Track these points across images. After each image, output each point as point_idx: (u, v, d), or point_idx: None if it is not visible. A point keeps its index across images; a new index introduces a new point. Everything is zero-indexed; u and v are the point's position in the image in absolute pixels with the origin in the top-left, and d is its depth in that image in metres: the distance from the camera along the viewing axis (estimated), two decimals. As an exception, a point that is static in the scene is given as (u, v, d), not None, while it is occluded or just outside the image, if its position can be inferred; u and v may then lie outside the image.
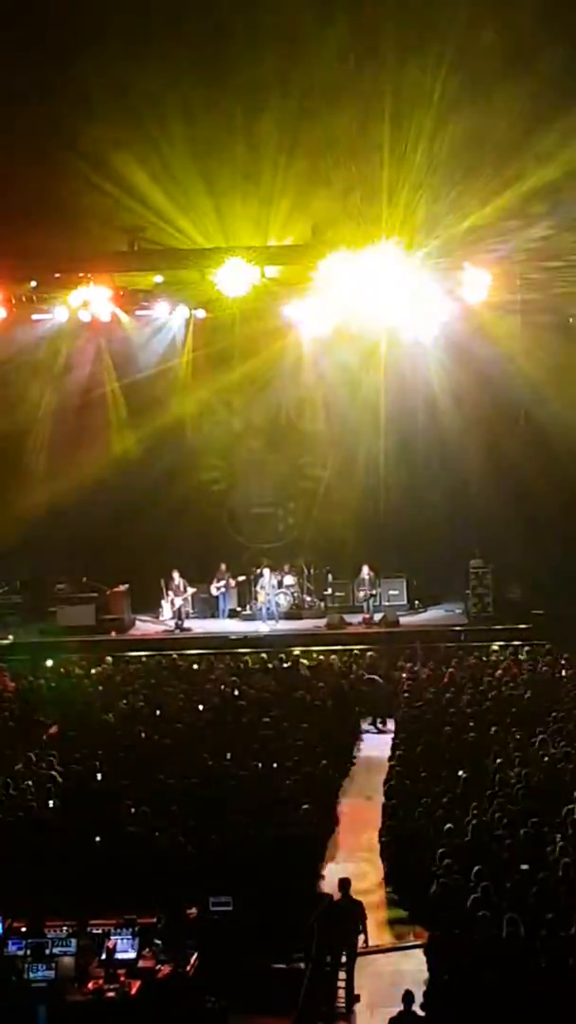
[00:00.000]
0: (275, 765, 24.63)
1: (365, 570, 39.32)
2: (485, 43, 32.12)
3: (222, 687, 31.08)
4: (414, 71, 32.32)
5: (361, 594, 39.39)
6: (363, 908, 19.14)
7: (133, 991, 16.80)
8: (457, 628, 37.82)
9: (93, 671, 33.56)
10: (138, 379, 40.98)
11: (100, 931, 17.61)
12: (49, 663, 35.14)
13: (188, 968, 17.18)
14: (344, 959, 18.51)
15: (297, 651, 34.93)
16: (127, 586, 39.83)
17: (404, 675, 32.38)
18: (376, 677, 32.64)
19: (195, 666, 33.85)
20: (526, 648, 34.04)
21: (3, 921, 18.05)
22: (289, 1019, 16.70)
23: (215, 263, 35.23)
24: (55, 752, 25.87)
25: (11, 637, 38.54)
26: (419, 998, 16.29)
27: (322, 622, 39.14)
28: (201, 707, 29.27)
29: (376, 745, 29.52)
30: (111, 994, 16.75)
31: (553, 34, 31.65)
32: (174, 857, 20.07)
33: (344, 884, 19.32)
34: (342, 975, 18.42)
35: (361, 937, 19.00)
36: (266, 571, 39.52)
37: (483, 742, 25.14)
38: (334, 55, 32.55)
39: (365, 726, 31.35)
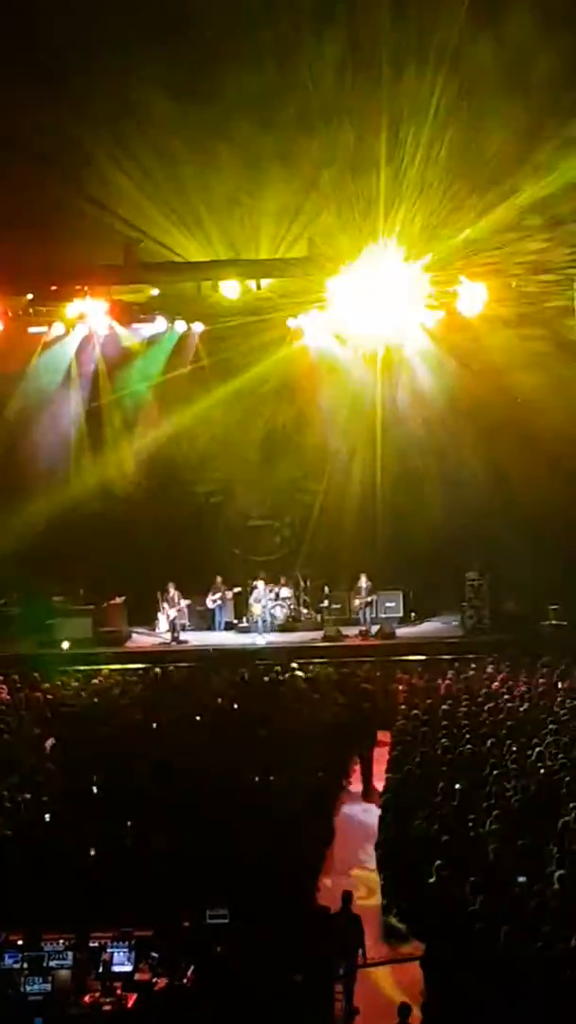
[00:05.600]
0: (272, 777, 24.63)
1: (363, 579, 39.38)
2: (481, 57, 32.17)
3: (219, 699, 31.09)
4: (410, 85, 32.36)
5: (357, 602, 39.44)
6: (361, 923, 19.13)
7: (130, 1004, 16.80)
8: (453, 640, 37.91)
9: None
10: (134, 393, 41.06)
11: (97, 944, 17.60)
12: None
13: (185, 981, 17.17)
14: (342, 973, 18.50)
15: (294, 663, 34.90)
16: (124, 598, 39.85)
17: (400, 687, 32.40)
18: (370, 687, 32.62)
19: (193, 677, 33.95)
20: (522, 660, 34.06)
21: (0, 934, 18.05)
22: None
23: (212, 276, 35.34)
24: (52, 764, 25.87)
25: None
26: (416, 1011, 16.30)
27: (318, 634, 39.16)
28: (198, 719, 29.28)
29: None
30: (108, 1007, 16.74)
31: (549, 48, 31.73)
32: (171, 870, 20.06)
33: (346, 897, 19.32)
34: (339, 988, 18.41)
35: (360, 952, 19.00)
36: (260, 584, 39.54)
37: (480, 754, 25.13)
38: (331, 69, 32.58)
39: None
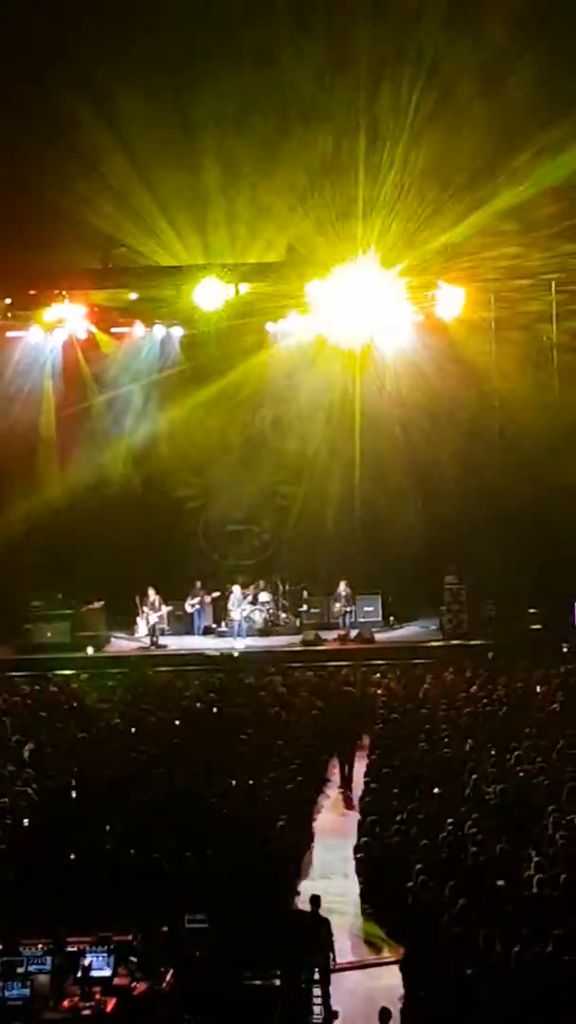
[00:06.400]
0: (251, 782, 24.62)
1: (342, 585, 39.37)
2: (458, 64, 32.33)
3: (198, 704, 31.07)
4: (388, 91, 32.51)
5: (336, 607, 39.44)
6: (330, 925, 19.09)
7: (109, 1009, 16.74)
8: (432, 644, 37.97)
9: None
10: (113, 397, 41.03)
11: (76, 949, 17.54)
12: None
13: (164, 985, 17.14)
14: (317, 976, 18.49)
15: (272, 668, 34.88)
16: (102, 603, 39.79)
17: (379, 691, 32.42)
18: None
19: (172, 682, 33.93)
20: (501, 664, 34.12)
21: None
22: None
23: (191, 280, 35.38)
24: (30, 770, 25.82)
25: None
26: (396, 1015, 16.31)
27: (297, 639, 39.17)
28: (177, 723, 29.25)
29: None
30: (87, 1012, 16.67)
31: (524, 56, 31.87)
32: (149, 874, 20.03)
33: (314, 901, 19.31)
34: (317, 992, 18.41)
35: (331, 955, 18.96)
36: (236, 588, 39.53)
37: (459, 758, 25.16)
38: (309, 74, 32.71)
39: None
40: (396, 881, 19.92)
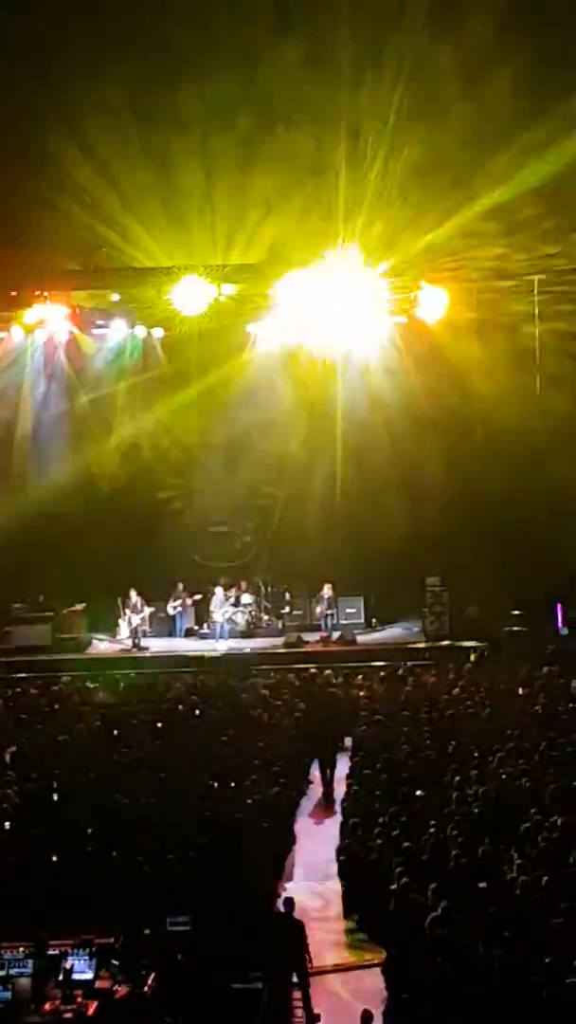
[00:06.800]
0: (233, 784, 24.56)
1: (327, 589, 39.32)
2: (440, 65, 32.33)
3: (180, 706, 31.01)
4: (370, 91, 32.50)
5: (318, 610, 39.39)
6: (304, 928, 19.03)
7: (90, 1012, 16.67)
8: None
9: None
10: (95, 398, 40.95)
11: (57, 952, 17.47)
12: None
13: (146, 988, 17.07)
14: (296, 979, 18.44)
15: (254, 670, 34.82)
16: (84, 605, 39.70)
17: (361, 693, 32.38)
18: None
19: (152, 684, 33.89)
20: (483, 666, 34.12)
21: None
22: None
23: (172, 281, 35.32)
24: (11, 772, 25.74)
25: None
26: (378, 1017, 16.26)
27: (279, 640, 39.13)
28: (159, 726, 29.18)
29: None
30: (68, 1015, 16.59)
31: (506, 56, 31.89)
32: (131, 877, 19.97)
33: (288, 904, 19.28)
34: (298, 995, 18.36)
35: (306, 957, 18.91)
36: (218, 590, 39.48)
37: (441, 760, 25.12)
38: (291, 74, 32.66)
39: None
40: (378, 883, 19.87)
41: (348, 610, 39.97)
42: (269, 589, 40.95)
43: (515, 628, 37.51)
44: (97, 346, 39.76)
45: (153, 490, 42.01)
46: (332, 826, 24.75)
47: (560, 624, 37.94)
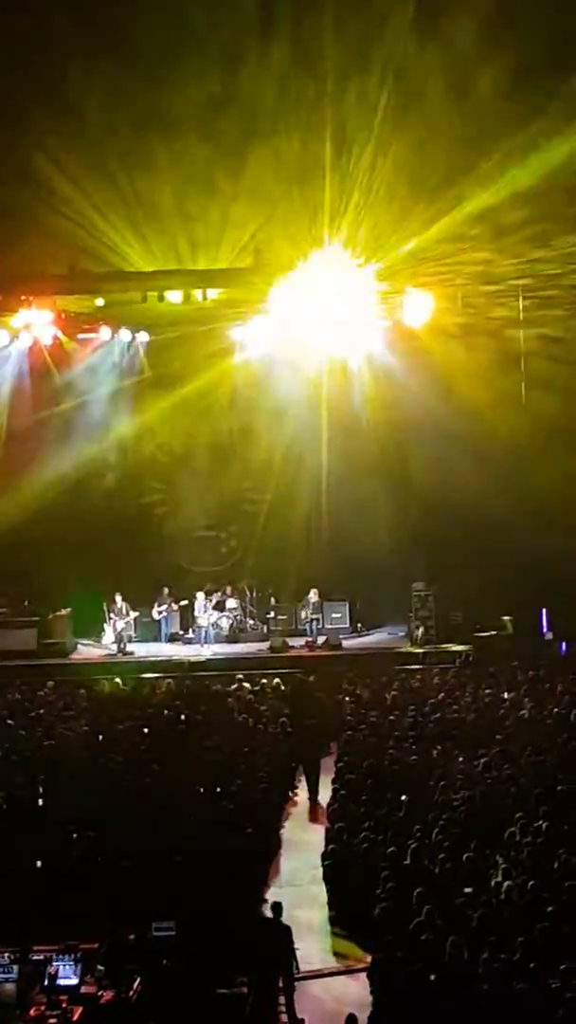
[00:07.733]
0: (218, 789, 24.52)
1: (312, 593, 39.29)
2: (426, 68, 32.34)
3: (165, 711, 30.96)
4: (355, 95, 32.50)
5: (304, 614, 39.36)
6: (291, 933, 19.01)
7: (75, 1017, 16.64)
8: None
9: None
10: (80, 402, 40.91)
11: (42, 957, 17.44)
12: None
13: (131, 994, 17.05)
14: (281, 983, 18.41)
15: (240, 675, 34.76)
16: (69, 610, 39.62)
17: (347, 698, 32.36)
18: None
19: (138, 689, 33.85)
20: (469, 671, 34.12)
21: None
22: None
23: (157, 286, 35.29)
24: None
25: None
26: (363, 1021, 16.24)
27: (264, 645, 39.10)
28: (145, 731, 29.13)
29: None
30: (53, 1020, 16.56)
31: (492, 61, 31.92)
32: (116, 882, 19.94)
33: (276, 908, 19.26)
34: (283, 1000, 18.33)
35: (293, 963, 18.88)
36: (200, 595, 39.42)
37: (426, 765, 25.11)
38: (275, 78, 32.66)
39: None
40: (363, 888, 19.87)
41: (334, 615, 39.94)
42: (254, 594, 40.92)
43: (501, 633, 37.51)
44: (82, 351, 39.70)
45: (138, 495, 41.99)
46: (317, 831, 24.71)
47: (545, 629, 37.98)
